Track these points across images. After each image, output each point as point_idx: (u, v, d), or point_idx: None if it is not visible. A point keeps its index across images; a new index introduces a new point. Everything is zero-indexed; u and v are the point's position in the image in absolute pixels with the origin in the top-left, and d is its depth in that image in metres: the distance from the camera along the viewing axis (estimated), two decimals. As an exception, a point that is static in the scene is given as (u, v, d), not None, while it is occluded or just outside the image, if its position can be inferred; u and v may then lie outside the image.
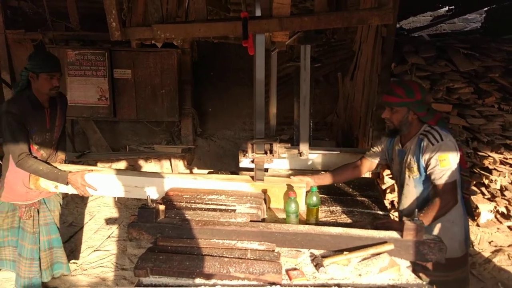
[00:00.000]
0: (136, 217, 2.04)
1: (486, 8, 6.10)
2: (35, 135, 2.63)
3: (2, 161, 2.75)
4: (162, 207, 2.09)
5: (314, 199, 2.17)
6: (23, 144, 2.52)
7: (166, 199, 2.35)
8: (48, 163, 2.63)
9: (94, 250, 3.93)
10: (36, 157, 2.60)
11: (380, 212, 2.39)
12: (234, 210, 2.20)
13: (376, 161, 2.55)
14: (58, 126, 2.82)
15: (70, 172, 2.57)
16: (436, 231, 2.22)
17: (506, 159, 3.89)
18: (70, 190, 2.64)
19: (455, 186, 2.16)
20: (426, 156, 2.14)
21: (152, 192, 2.52)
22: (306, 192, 2.33)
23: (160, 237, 1.96)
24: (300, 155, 2.75)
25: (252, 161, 2.56)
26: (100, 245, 4.02)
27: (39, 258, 2.85)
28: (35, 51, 2.68)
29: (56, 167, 2.61)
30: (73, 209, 5.00)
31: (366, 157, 2.58)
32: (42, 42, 5.49)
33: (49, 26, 5.41)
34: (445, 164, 2.09)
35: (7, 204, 2.75)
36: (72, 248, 4.02)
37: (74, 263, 3.74)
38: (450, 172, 2.11)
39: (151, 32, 2.09)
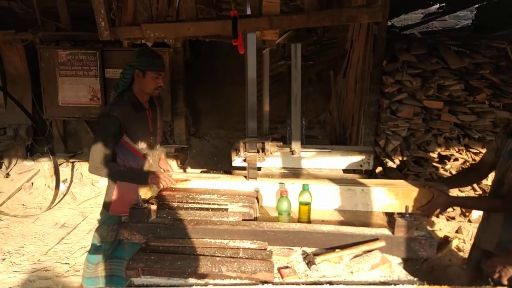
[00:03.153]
0: (127, 217, 2.04)
1: (477, 5, 6.12)
2: (140, 141, 2.48)
3: None
4: (153, 207, 2.08)
5: (306, 197, 2.17)
6: (110, 152, 2.40)
7: (158, 199, 2.34)
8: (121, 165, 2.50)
9: (87, 251, 3.90)
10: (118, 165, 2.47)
11: (373, 210, 2.40)
12: (226, 209, 2.20)
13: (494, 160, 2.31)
14: (159, 128, 2.68)
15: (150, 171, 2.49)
16: None
17: (497, 155, 3.91)
18: None
19: None
20: None
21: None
22: None
23: (151, 237, 1.95)
24: (292, 154, 2.76)
25: (245, 160, 2.56)
26: (93, 246, 3.99)
27: None
28: (142, 48, 2.52)
29: (133, 168, 2.52)
30: (65, 210, 4.98)
31: (485, 159, 2.40)
32: (33, 42, 5.45)
33: (40, 27, 5.37)
34: None
35: (116, 217, 2.57)
36: (64, 249, 4.00)
37: (66, 264, 3.72)
38: None
39: (140, 32, 2.08)
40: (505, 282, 1.85)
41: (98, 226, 2.66)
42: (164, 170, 2.76)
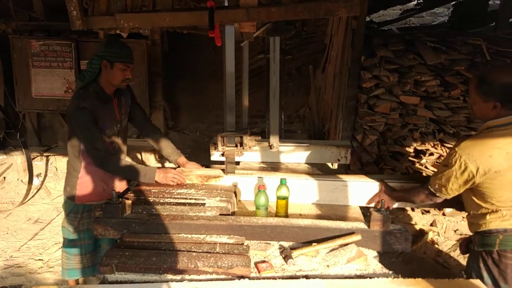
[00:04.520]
0: (101, 212, 1.99)
1: (453, 2, 6.22)
2: (107, 130, 2.43)
3: (70, 161, 2.52)
4: (128, 202, 2.05)
5: (284, 191, 2.17)
6: (102, 142, 2.35)
7: (134, 194, 2.30)
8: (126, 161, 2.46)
9: (61, 247, 3.81)
10: (110, 153, 2.43)
11: (349, 204, 2.41)
12: (203, 204, 2.18)
13: None
14: (124, 114, 2.60)
15: (158, 168, 2.44)
16: None
17: (471, 150, 4.00)
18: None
19: None
20: None
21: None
22: None
23: (126, 232, 1.92)
24: (271, 148, 2.75)
25: (223, 154, 2.54)
26: (68, 241, 3.91)
27: None
28: (111, 38, 2.43)
29: (136, 164, 2.47)
30: (39, 204, 4.86)
31: None
32: (5, 32, 5.27)
33: (13, 16, 5.20)
34: None
35: (81, 206, 2.53)
36: (37, 245, 3.91)
37: (40, 260, 3.63)
38: None
39: (114, 22, 2.02)
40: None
41: (65, 217, 2.59)
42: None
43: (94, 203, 2.51)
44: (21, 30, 5.29)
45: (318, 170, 2.93)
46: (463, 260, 3.54)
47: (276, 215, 2.19)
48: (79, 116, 2.30)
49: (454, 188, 1.93)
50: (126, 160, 2.52)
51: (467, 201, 2.02)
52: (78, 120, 2.32)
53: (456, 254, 3.61)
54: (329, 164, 3.18)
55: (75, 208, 2.55)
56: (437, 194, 2.00)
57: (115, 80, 2.39)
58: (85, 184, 2.51)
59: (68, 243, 2.60)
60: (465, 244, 2.14)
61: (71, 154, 2.50)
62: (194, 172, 2.55)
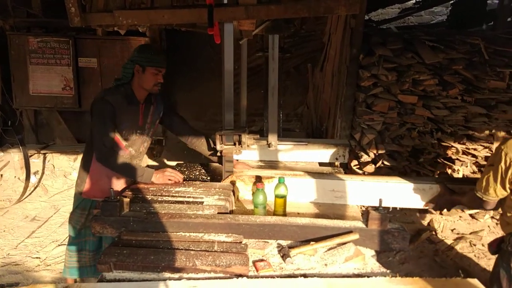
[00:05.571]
0: (99, 210, 1.99)
1: (452, 1, 6.23)
2: (125, 131, 2.43)
3: (84, 154, 2.54)
4: (126, 200, 2.04)
5: (282, 190, 2.17)
6: (111, 139, 2.36)
7: (132, 192, 2.29)
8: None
9: (59, 245, 3.81)
10: (115, 150, 2.42)
11: (348, 203, 2.42)
12: (201, 202, 2.17)
13: None
14: (149, 123, 2.60)
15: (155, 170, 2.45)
16: None
17: (469, 149, 4.01)
18: None
19: None
20: None
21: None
22: None
23: (124, 230, 1.91)
24: (269, 146, 2.74)
25: (221, 153, 2.54)
26: (65, 239, 3.89)
27: None
28: (144, 44, 2.46)
29: (136, 164, 2.47)
30: (36, 202, 4.84)
31: None
32: (3, 28, 5.24)
33: (10, 12, 5.17)
34: None
35: (89, 201, 2.54)
36: (35, 243, 3.90)
37: (37, 258, 3.62)
38: None
39: (112, 18, 2.02)
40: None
41: (72, 212, 2.59)
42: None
43: (99, 200, 2.51)
44: (18, 26, 5.27)
45: (317, 168, 2.94)
46: (459, 259, 3.55)
47: (274, 213, 2.19)
48: (99, 107, 2.34)
49: (501, 187, 1.93)
50: (123, 157, 2.48)
51: (505, 201, 2.02)
52: (96, 110, 2.35)
53: (453, 254, 3.62)
54: (337, 164, 3.18)
55: (82, 203, 2.56)
56: (484, 198, 2.00)
57: (147, 84, 2.41)
58: (94, 179, 2.51)
59: (72, 241, 2.60)
60: (496, 244, 2.13)
61: (88, 147, 2.52)
62: (245, 172, 2.54)
